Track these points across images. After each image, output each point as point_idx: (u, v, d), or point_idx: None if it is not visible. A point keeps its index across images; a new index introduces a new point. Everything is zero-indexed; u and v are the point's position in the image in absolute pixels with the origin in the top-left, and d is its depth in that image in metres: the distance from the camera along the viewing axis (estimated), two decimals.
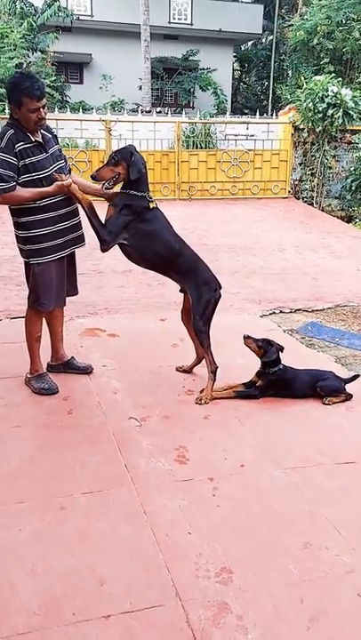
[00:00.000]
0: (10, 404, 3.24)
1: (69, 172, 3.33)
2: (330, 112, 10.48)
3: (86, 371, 3.64)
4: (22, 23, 14.13)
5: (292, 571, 2.04)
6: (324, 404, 3.37)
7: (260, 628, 1.79)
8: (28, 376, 3.43)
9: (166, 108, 15.72)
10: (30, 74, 3.18)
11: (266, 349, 3.42)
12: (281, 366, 3.44)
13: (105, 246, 3.24)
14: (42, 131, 3.14)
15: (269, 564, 2.07)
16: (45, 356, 3.59)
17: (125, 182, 3.25)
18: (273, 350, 3.42)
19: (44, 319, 3.48)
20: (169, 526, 2.24)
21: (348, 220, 10.85)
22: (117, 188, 3.35)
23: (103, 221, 3.23)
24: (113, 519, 2.28)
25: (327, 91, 10.43)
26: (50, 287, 3.26)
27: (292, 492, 2.52)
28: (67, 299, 3.52)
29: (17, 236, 3.27)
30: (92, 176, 3.31)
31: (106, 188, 3.27)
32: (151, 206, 3.27)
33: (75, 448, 2.79)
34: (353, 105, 10.71)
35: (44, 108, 3.05)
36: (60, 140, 3.47)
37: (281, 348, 3.46)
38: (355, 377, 3.55)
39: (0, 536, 2.17)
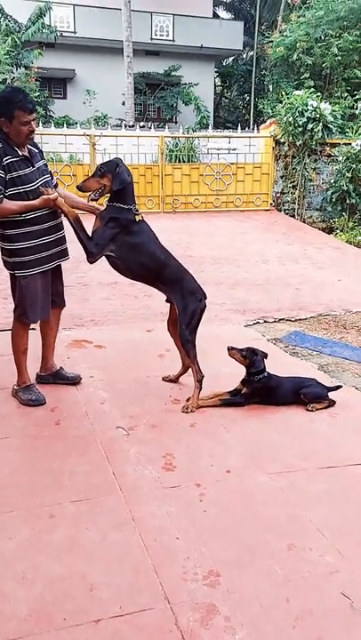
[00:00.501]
0: None
1: (56, 187, 3.40)
2: (310, 126, 10.70)
3: (75, 381, 3.67)
4: (6, 40, 14.25)
5: (278, 572, 2.09)
6: (307, 410, 3.44)
7: (248, 628, 1.84)
8: (16, 388, 3.46)
9: (150, 123, 15.89)
10: (21, 89, 3.30)
11: (251, 359, 3.48)
12: (265, 374, 3.51)
13: (91, 258, 3.30)
14: (28, 145, 3.22)
15: (255, 566, 2.12)
16: (33, 366, 3.63)
17: (112, 195, 3.33)
18: (259, 359, 3.49)
19: (38, 329, 3.52)
20: (157, 532, 2.28)
21: (330, 231, 11.03)
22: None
23: (90, 233, 3.29)
24: (102, 526, 2.31)
25: (307, 105, 10.66)
26: (36, 300, 3.31)
27: (276, 496, 2.58)
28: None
29: (1, 249, 3.32)
30: (77, 187, 3.39)
31: (92, 199, 3.34)
32: (137, 219, 3.34)
33: (63, 458, 2.83)
34: (332, 119, 10.95)
35: (33, 122, 3.16)
36: (45, 154, 3.55)
37: (265, 355, 3.54)
38: (338, 387, 3.63)
39: None
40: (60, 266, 3.50)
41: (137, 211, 3.35)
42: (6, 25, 15.52)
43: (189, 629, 1.82)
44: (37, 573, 2.06)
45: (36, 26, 16.12)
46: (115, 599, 1.94)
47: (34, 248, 3.23)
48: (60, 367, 3.72)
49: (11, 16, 16.18)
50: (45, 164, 3.37)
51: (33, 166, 3.21)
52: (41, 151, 3.39)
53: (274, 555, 2.18)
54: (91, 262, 3.33)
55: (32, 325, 3.50)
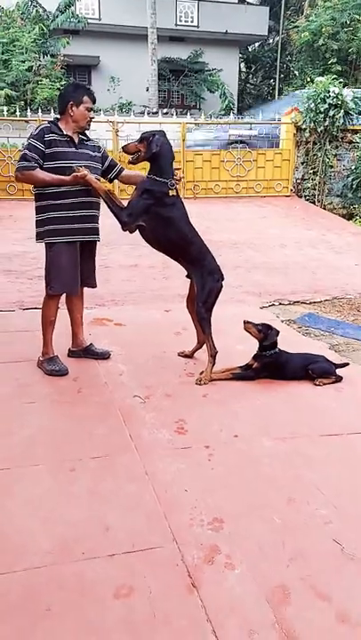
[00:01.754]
0: (24, 384, 3.51)
1: (116, 175, 3.77)
2: (331, 112, 10.69)
3: (104, 356, 3.90)
4: (35, 28, 14.45)
5: (276, 521, 2.29)
6: (315, 385, 3.62)
7: (246, 565, 2.05)
8: (41, 359, 3.71)
9: (173, 110, 15.98)
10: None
11: (266, 333, 3.67)
12: (276, 350, 3.69)
13: (125, 227, 3.51)
14: (81, 135, 3.56)
15: (256, 516, 2.32)
16: (62, 341, 3.88)
17: (150, 167, 3.51)
18: (273, 333, 3.67)
19: (66, 307, 3.79)
20: (168, 485, 2.50)
21: (350, 217, 11.05)
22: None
23: (126, 204, 3.50)
24: (118, 479, 2.55)
25: (328, 92, 10.65)
26: (60, 272, 3.55)
27: (280, 458, 2.77)
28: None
29: (36, 221, 3.59)
30: (122, 147, 3.69)
31: (129, 162, 3.61)
32: (171, 193, 3.52)
33: (84, 421, 3.07)
34: (353, 105, 10.91)
35: (93, 112, 3.57)
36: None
37: (277, 332, 3.71)
38: (345, 364, 3.80)
39: (18, 491, 2.45)
40: (92, 247, 3.74)
41: (173, 185, 3.51)
42: (37, 11, 15.71)
43: (194, 564, 2.04)
44: (59, 517, 2.30)
45: (66, 15, 16.26)
46: (128, 539, 2.17)
47: (61, 219, 3.50)
48: (91, 343, 3.96)
49: (40, 4, 16.38)
50: (101, 157, 3.66)
51: (76, 149, 3.52)
52: (98, 147, 3.69)
53: (274, 507, 2.38)
54: (125, 230, 3.53)
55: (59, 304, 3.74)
